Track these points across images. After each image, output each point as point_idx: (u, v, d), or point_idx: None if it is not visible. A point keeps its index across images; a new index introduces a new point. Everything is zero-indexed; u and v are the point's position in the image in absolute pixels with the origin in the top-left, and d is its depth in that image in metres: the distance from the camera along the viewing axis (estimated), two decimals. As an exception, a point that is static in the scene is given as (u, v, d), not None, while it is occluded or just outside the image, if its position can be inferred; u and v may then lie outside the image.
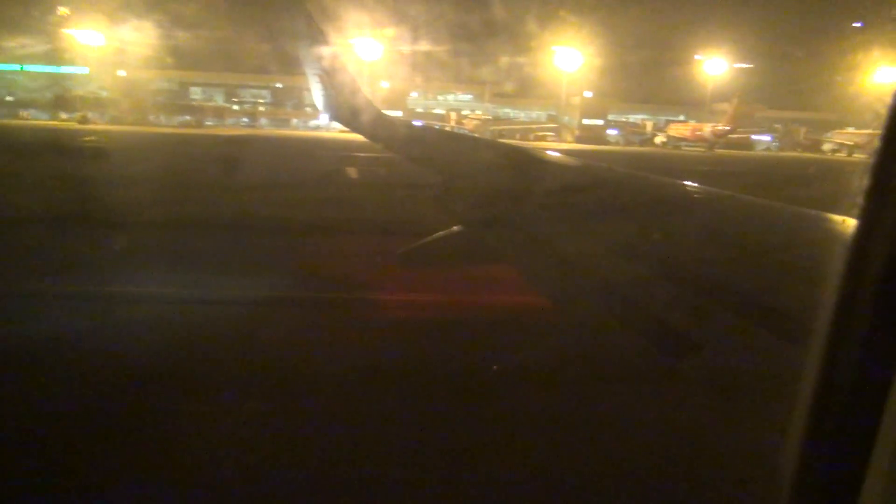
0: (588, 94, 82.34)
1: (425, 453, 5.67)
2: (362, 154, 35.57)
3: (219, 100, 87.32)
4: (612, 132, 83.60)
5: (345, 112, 12.27)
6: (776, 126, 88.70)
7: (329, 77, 11.89)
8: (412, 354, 7.74)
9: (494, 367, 6.19)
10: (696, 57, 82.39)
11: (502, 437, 5.81)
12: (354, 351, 7.80)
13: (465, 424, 6.01)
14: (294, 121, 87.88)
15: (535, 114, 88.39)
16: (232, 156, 36.53)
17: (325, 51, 12.07)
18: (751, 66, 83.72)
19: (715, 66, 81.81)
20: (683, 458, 4.85)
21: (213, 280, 11.12)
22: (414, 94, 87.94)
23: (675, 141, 73.42)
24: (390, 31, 73.85)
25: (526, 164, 7.64)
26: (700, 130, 72.17)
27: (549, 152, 9.18)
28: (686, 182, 6.16)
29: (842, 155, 74.16)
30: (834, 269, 1.45)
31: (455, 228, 6.38)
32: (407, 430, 5.99)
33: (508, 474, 5.30)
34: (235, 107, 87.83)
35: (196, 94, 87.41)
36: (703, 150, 70.14)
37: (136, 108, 75.43)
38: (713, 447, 3.78)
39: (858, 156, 72.29)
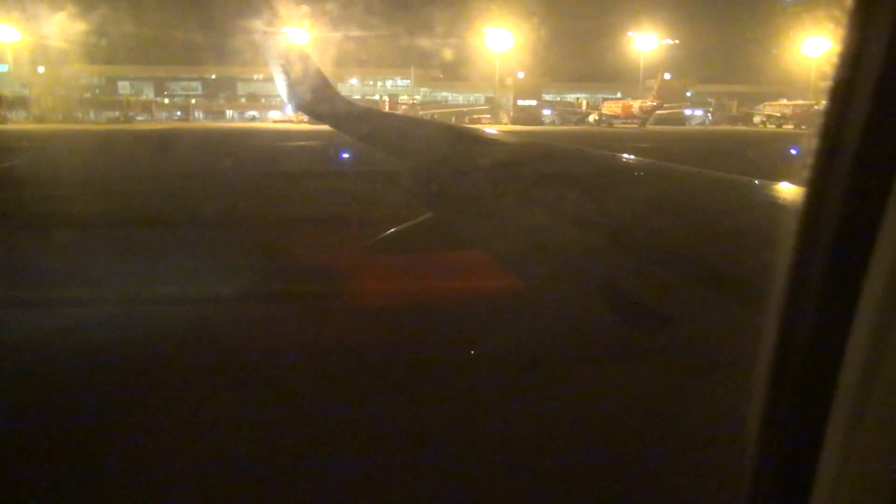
0: (520, 75, 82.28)
1: (402, 439, 5.58)
2: (265, 144, 35.24)
3: (149, 94, 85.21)
4: (547, 112, 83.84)
5: (309, 103, 12.08)
6: (709, 100, 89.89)
7: (292, 68, 11.76)
8: (385, 344, 7.47)
9: (472, 351, 6.07)
10: (629, 33, 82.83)
11: (481, 421, 5.74)
12: (327, 344, 7.51)
13: (443, 410, 5.92)
14: (229, 112, 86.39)
15: (473, 96, 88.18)
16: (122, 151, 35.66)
17: (287, 42, 12.31)
18: (679, 41, 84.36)
19: (646, 41, 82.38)
20: (662, 434, 4.83)
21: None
22: (353, 81, 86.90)
23: (608, 119, 73.90)
24: (320, 17, 72.83)
25: (492, 147, 7.60)
26: (630, 107, 72.71)
27: (512, 137, 8.82)
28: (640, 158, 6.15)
29: (771, 127, 75.48)
30: (785, 237, 1.45)
31: (426, 216, 6.32)
32: (383, 419, 5.87)
33: (489, 459, 5.25)
34: (166, 100, 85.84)
35: (125, 88, 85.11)
36: (636, 126, 70.73)
37: (60, 105, 73.22)
38: (691, 420, 3.68)
39: (787, 127, 73.78)
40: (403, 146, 8.98)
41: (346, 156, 32.86)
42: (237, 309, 9.08)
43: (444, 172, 7.11)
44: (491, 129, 9.95)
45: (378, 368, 6.85)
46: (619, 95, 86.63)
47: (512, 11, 76.30)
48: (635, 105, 72.40)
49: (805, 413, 1.37)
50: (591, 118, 76.23)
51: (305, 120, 76.10)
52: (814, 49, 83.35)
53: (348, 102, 12.78)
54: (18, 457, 5.32)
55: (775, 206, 3.81)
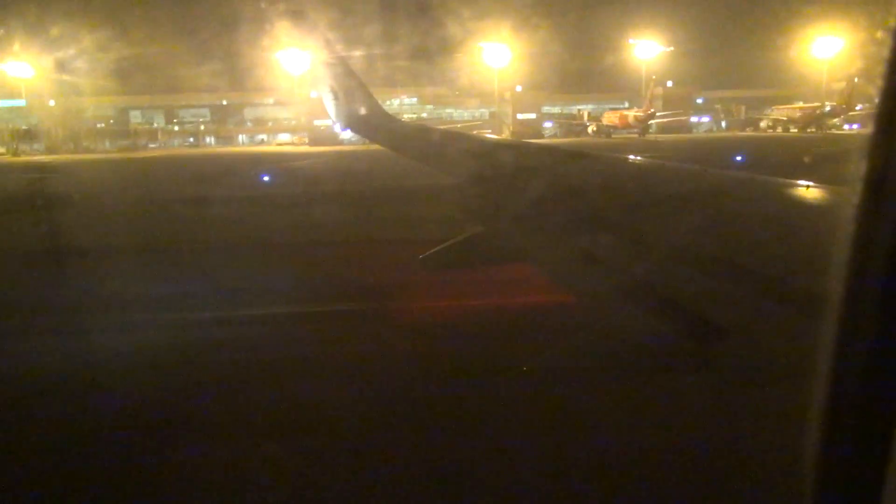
0: (518, 89, 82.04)
1: (461, 453, 5.71)
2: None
3: (160, 122, 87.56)
4: (547, 124, 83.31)
5: (354, 121, 12.58)
6: (716, 107, 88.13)
7: (339, 88, 12.16)
8: (442, 357, 7.72)
9: (524, 367, 6.17)
10: (630, 41, 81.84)
11: (539, 434, 5.85)
12: (388, 357, 7.83)
13: (504, 425, 6.03)
14: (241, 137, 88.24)
15: (478, 111, 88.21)
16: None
17: (337, 64, 12.44)
18: (685, 47, 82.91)
19: (649, 49, 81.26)
20: (722, 447, 4.85)
21: None
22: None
23: (606, 129, 73.03)
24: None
25: (540, 159, 7.72)
26: (626, 117, 71.82)
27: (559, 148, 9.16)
28: (698, 167, 6.13)
29: (778, 131, 73.56)
30: (844, 244, 1.42)
31: (475, 230, 6.43)
32: (440, 431, 6.02)
33: (543, 469, 5.38)
34: (175, 127, 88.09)
35: (136, 117, 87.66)
36: (636, 136, 69.78)
37: (72, 136, 75.84)
38: (749, 432, 3.83)
39: (793, 131, 71.83)
40: (452, 162, 9.10)
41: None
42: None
43: (494, 187, 7.25)
44: (537, 142, 10.06)
45: (436, 382, 7.00)
46: (626, 105, 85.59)
47: (512, 26, 76.21)
48: (630, 115, 71.43)
49: (868, 429, 1.33)
50: (590, 129, 75.47)
51: (306, 142, 77.75)
52: (825, 50, 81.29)
53: (398, 122, 13.08)
54: None
55: (833, 211, 3.68)
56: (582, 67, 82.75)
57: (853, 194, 1.33)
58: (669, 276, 3.77)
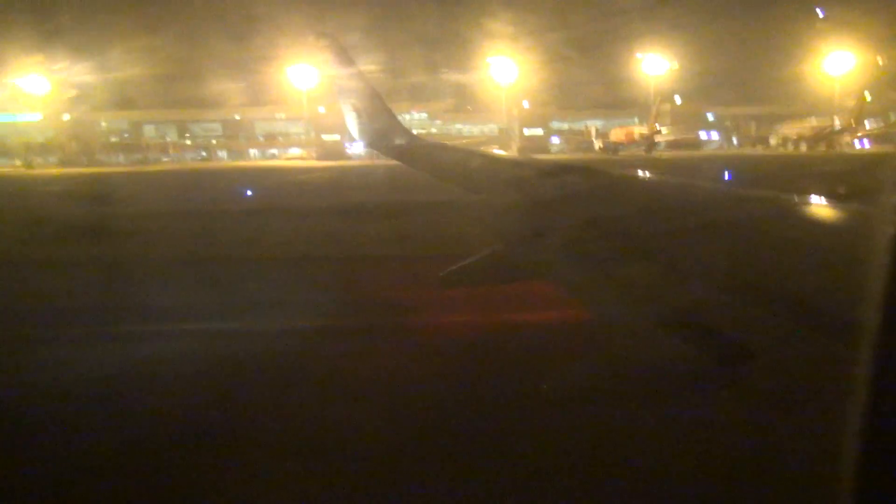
0: (525, 105, 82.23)
1: (478, 477, 5.66)
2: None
3: (172, 136, 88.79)
4: (554, 140, 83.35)
5: (376, 138, 12.82)
6: (726, 123, 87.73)
7: (361, 105, 12.35)
8: (460, 376, 7.69)
9: (543, 385, 6.17)
10: (638, 56, 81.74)
11: (560, 458, 5.79)
12: (404, 376, 7.80)
13: (508, 449, 5.98)
14: (252, 151, 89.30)
15: (488, 127, 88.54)
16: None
17: (357, 80, 12.70)
18: (695, 63, 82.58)
19: (658, 65, 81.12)
20: (747, 469, 4.88)
21: None
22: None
23: (613, 146, 72.85)
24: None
25: (560, 177, 7.72)
26: (632, 134, 71.63)
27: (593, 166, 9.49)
28: (720, 183, 6.25)
29: (788, 149, 72.99)
30: (879, 271, 1.42)
31: (494, 247, 6.44)
32: (457, 454, 5.97)
33: (566, 496, 5.34)
34: (188, 141, 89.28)
35: (150, 131, 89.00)
36: (642, 152, 69.56)
37: (85, 149, 77.20)
38: (777, 455, 3.85)
39: (801, 148, 71.22)
40: (473, 179, 9.18)
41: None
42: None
43: (513, 204, 7.27)
44: (561, 161, 10.15)
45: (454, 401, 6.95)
46: (635, 121, 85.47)
47: (520, 42, 76.60)
48: (636, 131, 71.26)
49: None
50: (596, 146, 75.36)
51: (314, 157, 78.46)
52: (838, 67, 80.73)
53: (418, 139, 13.27)
54: None
55: (864, 230, 3.63)
56: (590, 83, 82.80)
57: (887, 216, 1.29)
58: (695, 297, 3.70)
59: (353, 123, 12.69)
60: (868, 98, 70.23)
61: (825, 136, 71.07)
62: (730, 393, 3.28)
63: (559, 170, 8.65)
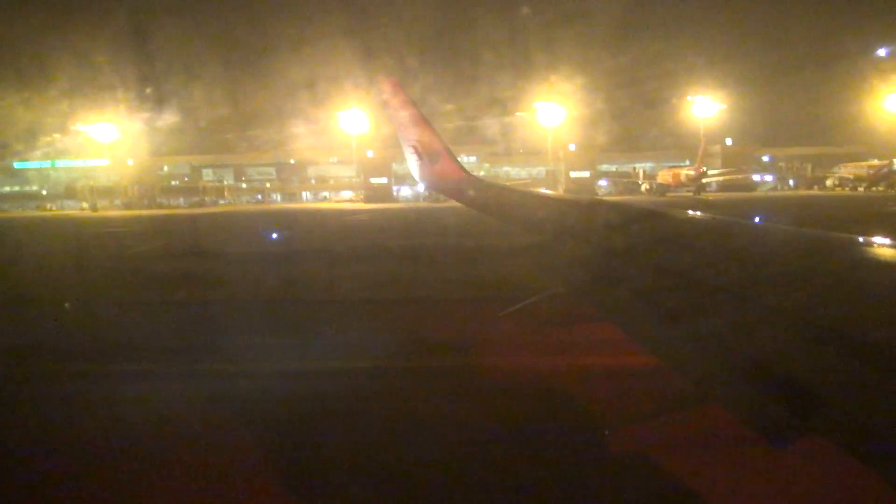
0: (572, 147, 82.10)
1: None
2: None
3: (229, 179, 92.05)
4: (602, 182, 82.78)
5: (435, 180, 13.13)
6: (780, 164, 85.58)
7: (425, 151, 12.77)
8: (520, 419, 7.64)
9: (606, 431, 6.28)
10: (688, 98, 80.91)
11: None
12: (465, 416, 7.82)
13: (580, 491, 5.96)
14: (305, 194, 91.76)
15: (535, 170, 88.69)
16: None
17: (420, 123, 13.12)
18: (748, 104, 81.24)
19: (706, 106, 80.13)
20: None
21: None
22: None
23: (660, 188, 71.88)
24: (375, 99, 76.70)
25: (621, 217, 7.69)
26: (679, 175, 70.54)
27: (657, 208, 9.65)
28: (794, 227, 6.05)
29: (844, 190, 70.63)
30: None
31: (555, 289, 6.55)
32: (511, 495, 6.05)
33: None
34: (244, 185, 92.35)
35: (208, 175, 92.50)
36: (689, 194, 68.39)
37: (146, 193, 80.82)
38: None
39: (860, 189, 68.80)
40: (534, 221, 9.20)
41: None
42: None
43: (574, 246, 7.26)
44: (622, 201, 10.39)
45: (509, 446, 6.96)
46: (686, 163, 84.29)
47: (567, 85, 76.84)
48: (683, 173, 70.18)
49: None
50: (644, 187, 74.47)
51: (361, 199, 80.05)
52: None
53: (478, 180, 13.54)
54: None
55: None
56: (638, 125, 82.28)
57: None
58: (765, 343, 3.55)
59: (413, 165, 12.95)
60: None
61: (884, 177, 68.53)
62: (803, 445, 3.10)
63: (622, 212, 8.46)
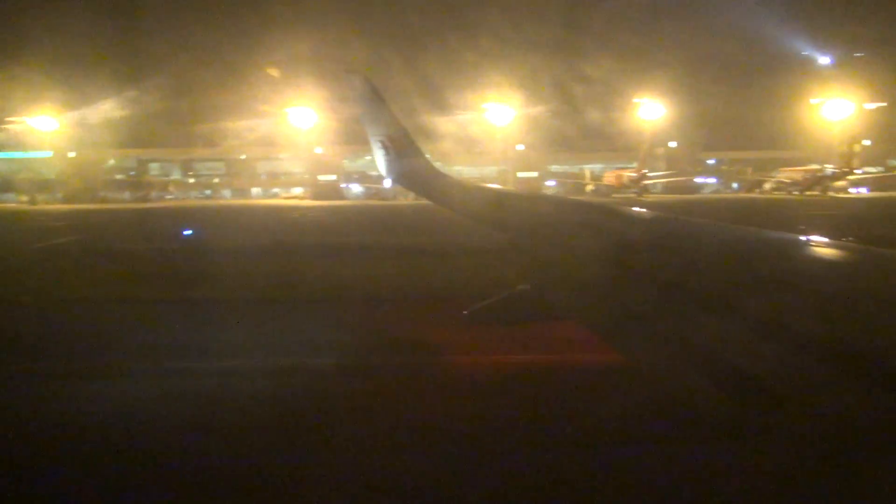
0: (520, 147, 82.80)
1: None
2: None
3: (176, 174, 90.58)
4: (550, 183, 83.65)
5: (405, 178, 13.04)
6: (722, 167, 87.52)
7: (390, 143, 12.61)
8: (486, 415, 7.69)
9: (567, 428, 6.28)
10: (635, 100, 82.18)
11: (583, 500, 5.75)
12: (429, 413, 7.83)
13: (546, 488, 5.95)
14: (255, 190, 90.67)
15: (487, 169, 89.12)
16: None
17: (387, 117, 13.03)
18: (693, 108, 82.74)
19: (653, 109, 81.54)
20: None
21: None
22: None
23: (605, 189, 72.98)
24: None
25: (599, 219, 7.64)
26: (621, 177, 71.88)
27: (621, 206, 9.20)
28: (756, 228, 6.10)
29: (780, 194, 72.57)
30: None
31: (522, 286, 6.45)
32: (480, 493, 5.97)
33: None
34: (191, 180, 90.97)
35: (154, 169, 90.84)
36: (633, 196, 69.54)
37: (88, 187, 78.97)
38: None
39: (794, 193, 70.70)
40: (501, 218, 9.18)
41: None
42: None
43: (539, 243, 7.22)
44: (583, 198, 10.15)
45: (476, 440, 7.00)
46: (635, 165, 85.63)
47: (517, 86, 77.40)
48: (625, 175, 71.52)
49: None
50: (589, 189, 75.55)
51: (307, 197, 79.46)
52: (837, 113, 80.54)
53: (445, 176, 13.43)
54: None
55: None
56: (588, 127, 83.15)
57: None
58: (726, 340, 3.59)
59: (381, 159, 12.88)
60: (858, 145, 69.93)
61: (817, 181, 70.59)
62: (761, 440, 3.15)
63: (584, 209, 8.55)
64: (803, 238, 4.87)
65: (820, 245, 4.73)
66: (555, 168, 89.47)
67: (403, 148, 12.53)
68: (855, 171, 70.61)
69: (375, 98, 12.88)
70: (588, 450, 5.89)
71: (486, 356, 9.40)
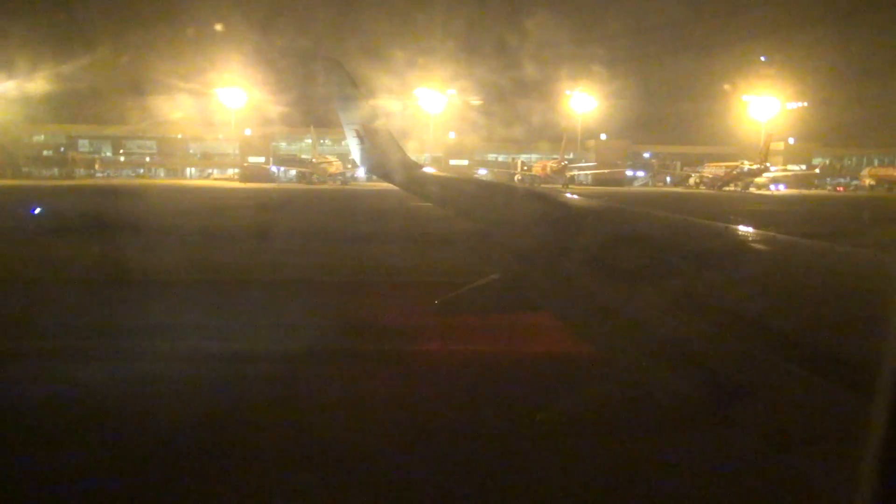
0: (452, 135, 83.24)
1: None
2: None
3: (107, 152, 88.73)
4: (482, 171, 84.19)
5: (379, 166, 12.95)
6: (652, 161, 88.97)
7: (366, 133, 12.45)
8: (455, 405, 7.73)
9: (537, 417, 6.07)
10: (567, 92, 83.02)
11: (544, 492, 5.80)
12: (397, 403, 7.84)
13: (507, 480, 5.99)
14: (190, 170, 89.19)
15: (423, 157, 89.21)
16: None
17: (362, 108, 12.82)
18: (625, 101, 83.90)
19: (586, 101, 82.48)
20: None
21: None
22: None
23: (532, 179, 73.70)
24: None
25: (566, 212, 7.71)
26: (545, 168, 72.79)
27: (581, 199, 9.33)
28: (732, 225, 6.04)
29: (701, 188, 74.14)
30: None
31: (493, 276, 6.42)
32: (446, 484, 6.00)
33: None
34: (122, 158, 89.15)
35: (84, 146, 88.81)
36: (559, 187, 70.38)
37: (10, 162, 76.94)
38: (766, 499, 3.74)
39: (714, 188, 72.37)
40: (474, 209, 9.28)
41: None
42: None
43: (512, 234, 7.29)
44: (557, 192, 10.04)
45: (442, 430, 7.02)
46: (571, 156, 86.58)
47: (454, 74, 77.49)
48: (548, 166, 72.44)
49: None
50: (516, 178, 76.21)
51: (235, 178, 78.50)
52: (765, 111, 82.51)
53: (419, 166, 13.45)
54: None
55: (864, 273, 3.71)
56: (522, 117, 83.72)
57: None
58: (690, 331, 3.68)
59: (355, 149, 12.91)
60: (771, 143, 71.81)
61: (735, 177, 72.27)
62: (722, 430, 3.26)
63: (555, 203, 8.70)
64: (761, 232, 5.04)
65: (790, 242, 4.89)
66: (491, 157, 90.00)
67: (378, 139, 12.60)
68: (769, 167, 72.34)
69: (350, 87, 12.89)
70: (553, 439, 5.95)
71: (455, 346, 9.55)
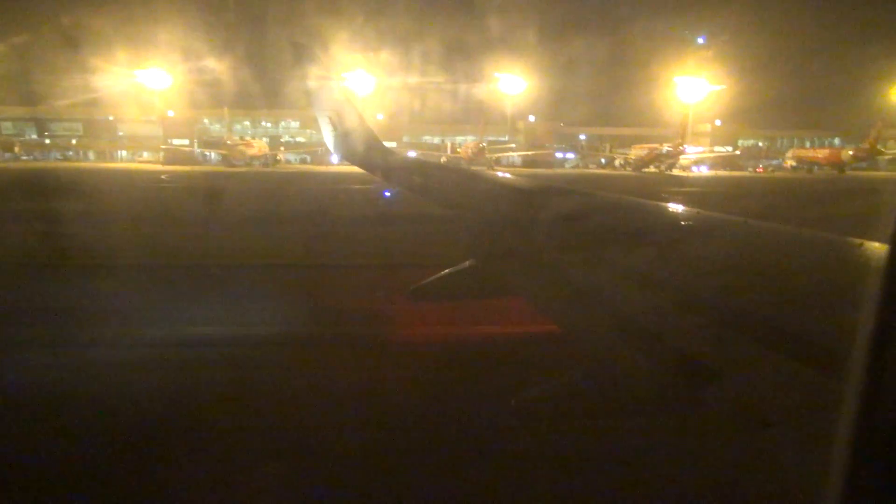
0: (380, 117, 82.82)
1: (439, 498, 5.64)
2: None
3: (31, 134, 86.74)
4: (411, 154, 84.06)
5: (355, 155, 12.64)
6: (581, 143, 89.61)
7: (339, 119, 12.23)
8: (428, 390, 7.70)
9: (512, 401, 5.97)
10: (496, 75, 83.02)
11: (521, 476, 5.78)
12: (369, 388, 7.82)
13: (484, 465, 5.97)
14: (121, 153, 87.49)
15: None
16: None
17: (336, 93, 12.69)
18: (558, 84, 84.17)
19: (515, 84, 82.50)
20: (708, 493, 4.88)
21: None
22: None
23: (455, 161, 73.76)
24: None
25: (533, 194, 7.70)
26: (469, 149, 73.09)
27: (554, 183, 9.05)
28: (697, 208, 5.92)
29: (626, 170, 74.85)
30: (867, 297, 1.44)
31: (466, 263, 6.32)
32: (418, 473, 5.97)
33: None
34: (47, 140, 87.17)
35: (7, 128, 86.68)
36: (484, 168, 70.63)
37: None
38: (738, 480, 3.79)
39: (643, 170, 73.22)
40: (449, 197, 9.26)
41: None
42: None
43: (486, 221, 7.27)
44: (529, 178, 10.11)
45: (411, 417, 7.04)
46: (505, 138, 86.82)
47: (375, 57, 76.94)
48: (470, 148, 72.80)
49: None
50: (442, 159, 76.27)
51: (162, 161, 77.30)
52: (693, 93, 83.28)
53: (393, 153, 13.37)
54: None
55: (832, 256, 3.79)
56: (452, 99, 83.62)
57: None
58: (661, 315, 3.69)
59: (328, 135, 12.75)
60: (689, 124, 72.65)
61: (654, 159, 73.03)
62: (694, 413, 3.25)
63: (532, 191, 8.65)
64: (745, 218, 5.05)
65: (758, 226, 4.89)
66: (427, 139, 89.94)
67: (352, 125, 12.49)
68: (684, 149, 73.19)
69: (324, 73, 12.83)
70: (523, 423, 6.01)
71: (429, 330, 9.64)
